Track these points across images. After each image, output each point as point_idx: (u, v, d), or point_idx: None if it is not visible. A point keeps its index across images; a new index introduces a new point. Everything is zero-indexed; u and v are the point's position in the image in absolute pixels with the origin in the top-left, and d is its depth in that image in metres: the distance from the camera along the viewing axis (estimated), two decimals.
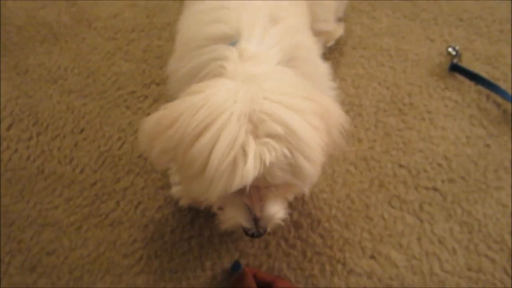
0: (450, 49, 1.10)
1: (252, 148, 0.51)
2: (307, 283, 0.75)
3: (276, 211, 0.62)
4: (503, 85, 1.02)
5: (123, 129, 0.98)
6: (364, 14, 1.21)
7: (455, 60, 1.06)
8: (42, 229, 0.86)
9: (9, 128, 1.01)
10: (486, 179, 0.87)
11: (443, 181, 0.87)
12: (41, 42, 1.19)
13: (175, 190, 0.85)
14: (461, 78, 1.04)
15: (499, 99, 0.99)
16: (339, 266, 0.77)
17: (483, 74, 1.05)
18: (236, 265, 0.76)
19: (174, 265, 0.79)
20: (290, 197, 0.67)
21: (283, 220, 0.63)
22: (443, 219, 0.82)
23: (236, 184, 0.52)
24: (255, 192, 0.60)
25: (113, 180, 0.89)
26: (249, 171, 0.51)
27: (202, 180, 0.53)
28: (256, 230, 0.61)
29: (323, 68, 0.77)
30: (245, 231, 0.62)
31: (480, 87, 1.02)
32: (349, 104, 0.99)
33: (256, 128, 0.53)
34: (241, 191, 0.57)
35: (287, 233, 0.80)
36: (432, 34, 1.15)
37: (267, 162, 0.52)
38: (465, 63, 1.08)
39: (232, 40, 0.65)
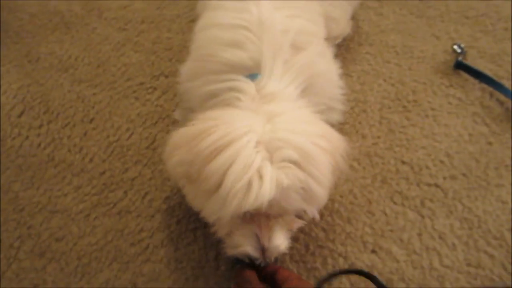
0: (455, 47, 1.11)
1: (268, 171, 0.55)
2: (309, 275, 0.77)
3: (282, 241, 0.64)
4: (506, 83, 1.03)
5: (131, 120, 0.99)
6: (372, 10, 1.22)
7: (460, 58, 1.07)
8: (51, 216, 0.88)
9: (20, 115, 1.04)
10: (487, 176, 0.89)
11: (444, 178, 0.89)
12: (52, 31, 1.20)
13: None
14: (465, 75, 1.05)
15: (502, 97, 1.00)
16: (341, 260, 0.79)
17: (487, 72, 1.06)
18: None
19: (180, 255, 0.81)
20: (295, 228, 0.68)
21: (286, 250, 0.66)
22: (443, 215, 0.84)
23: (250, 203, 0.54)
24: (265, 221, 0.62)
25: (121, 170, 0.92)
26: (265, 192, 0.53)
27: (216, 198, 0.56)
28: (263, 260, 0.63)
29: (337, 86, 0.80)
30: (251, 260, 0.63)
31: (484, 85, 1.03)
32: (354, 100, 1.01)
33: (271, 155, 0.56)
34: (251, 219, 0.61)
35: None
36: (438, 31, 1.16)
37: (284, 184, 0.55)
38: (470, 61, 1.08)
39: (251, 72, 0.67)
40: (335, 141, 0.65)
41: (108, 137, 0.97)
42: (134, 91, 1.05)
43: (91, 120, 1.00)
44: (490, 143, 0.94)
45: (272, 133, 0.57)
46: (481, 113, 0.99)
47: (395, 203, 0.86)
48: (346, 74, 1.06)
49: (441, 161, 0.91)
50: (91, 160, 0.94)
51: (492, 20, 1.19)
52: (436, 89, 1.03)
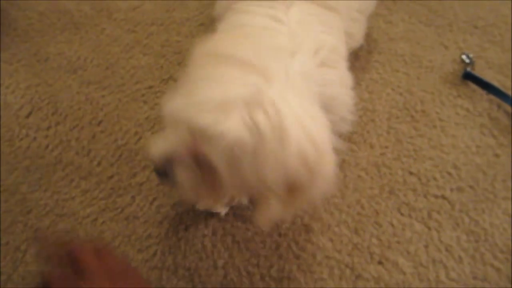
0: (463, 57, 1.11)
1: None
2: (316, 285, 0.78)
3: None
4: None
5: (140, 123, 0.99)
6: (381, 18, 1.21)
7: (468, 68, 1.07)
8: (58, 219, 0.88)
9: (28, 115, 1.03)
10: (494, 189, 0.89)
11: (452, 190, 0.89)
12: (61, 30, 1.20)
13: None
14: (473, 86, 1.05)
15: (510, 108, 1.00)
16: (348, 271, 0.79)
17: (495, 82, 1.06)
18: None
19: (187, 262, 0.81)
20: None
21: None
22: (450, 228, 0.84)
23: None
24: None
25: (129, 175, 0.92)
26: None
27: None
28: None
29: (350, 98, 0.78)
30: None
31: (491, 96, 1.03)
32: (362, 109, 1.01)
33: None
34: None
35: (297, 236, 0.83)
36: (446, 40, 1.16)
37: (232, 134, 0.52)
38: (478, 71, 1.09)
39: None
40: (322, 157, 0.59)
41: (116, 141, 0.97)
42: (143, 94, 1.05)
43: (99, 123, 1.00)
44: (497, 155, 0.94)
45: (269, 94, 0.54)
46: (489, 125, 0.99)
47: (402, 214, 0.86)
48: (355, 83, 1.06)
49: (449, 173, 0.91)
50: (99, 164, 0.94)
51: (500, 30, 1.19)
52: (444, 99, 1.03)
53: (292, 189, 0.57)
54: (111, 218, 0.86)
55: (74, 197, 0.90)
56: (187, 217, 0.85)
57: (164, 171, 0.60)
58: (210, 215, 0.86)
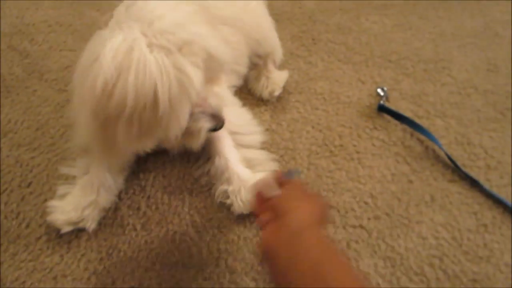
0: (379, 90, 1.19)
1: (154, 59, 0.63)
2: None
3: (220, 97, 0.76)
4: (426, 122, 1.11)
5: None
6: (301, 59, 1.29)
7: (382, 101, 1.14)
8: None
9: None
10: (408, 214, 0.94)
11: (369, 219, 0.94)
12: None
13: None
14: (388, 117, 1.12)
15: (421, 136, 1.07)
16: None
17: (409, 112, 1.13)
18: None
19: None
20: (227, 83, 0.85)
21: None
22: (368, 255, 0.89)
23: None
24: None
25: (58, 234, 0.93)
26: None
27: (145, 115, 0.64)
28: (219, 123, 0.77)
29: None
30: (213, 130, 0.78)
31: (405, 126, 1.10)
32: (284, 148, 1.06)
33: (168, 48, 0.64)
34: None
35: (222, 278, 0.85)
36: (363, 76, 1.24)
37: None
38: (393, 103, 1.16)
39: None
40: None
41: (45, 201, 0.98)
42: (73, 152, 1.07)
43: (29, 184, 1.02)
44: (411, 181, 1.00)
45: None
46: (403, 153, 1.05)
47: None
48: (276, 123, 1.11)
49: (366, 203, 0.96)
50: (27, 226, 0.95)
51: (413, 62, 1.28)
52: (361, 132, 1.10)
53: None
54: (39, 280, 0.87)
55: (3, 262, 0.90)
56: (114, 270, 0.87)
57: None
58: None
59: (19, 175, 1.04)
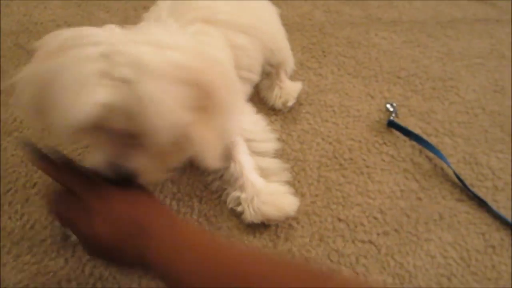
0: (388, 106, 1.19)
1: (93, 85, 0.53)
2: None
3: (138, 166, 0.64)
4: (434, 139, 1.11)
5: None
6: (312, 71, 1.29)
7: (391, 117, 1.14)
8: None
9: None
10: (417, 231, 0.94)
11: (378, 234, 0.93)
12: None
13: None
14: (397, 133, 1.13)
15: (430, 153, 1.08)
16: None
17: (417, 129, 1.14)
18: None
19: None
20: (172, 164, 0.68)
21: None
22: (377, 271, 0.88)
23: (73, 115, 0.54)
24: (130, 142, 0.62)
25: (63, 237, 0.91)
26: (81, 105, 0.52)
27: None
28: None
29: None
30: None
31: (413, 142, 1.10)
32: (294, 159, 1.05)
33: (110, 69, 0.54)
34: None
35: None
36: (372, 90, 1.24)
37: (101, 100, 0.52)
38: (401, 119, 1.16)
39: None
40: (211, 67, 0.60)
41: None
42: (79, 153, 1.06)
43: (34, 185, 1.00)
44: (419, 198, 1.00)
45: (120, 46, 0.55)
46: (412, 169, 1.05)
47: (331, 261, 0.89)
48: (287, 134, 1.11)
49: (375, 218, 0.96)
50: (32, 227, 0.93)
51: (421, 80, 1.29)
52: (370, 147, 1.10)
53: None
54: (43, 283, 0.85)
55: (5, 264, 0.88)
56: (120, 277, 0.85)
57: (119, 174, 0.62)
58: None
59: (24, 175, 1.02)
